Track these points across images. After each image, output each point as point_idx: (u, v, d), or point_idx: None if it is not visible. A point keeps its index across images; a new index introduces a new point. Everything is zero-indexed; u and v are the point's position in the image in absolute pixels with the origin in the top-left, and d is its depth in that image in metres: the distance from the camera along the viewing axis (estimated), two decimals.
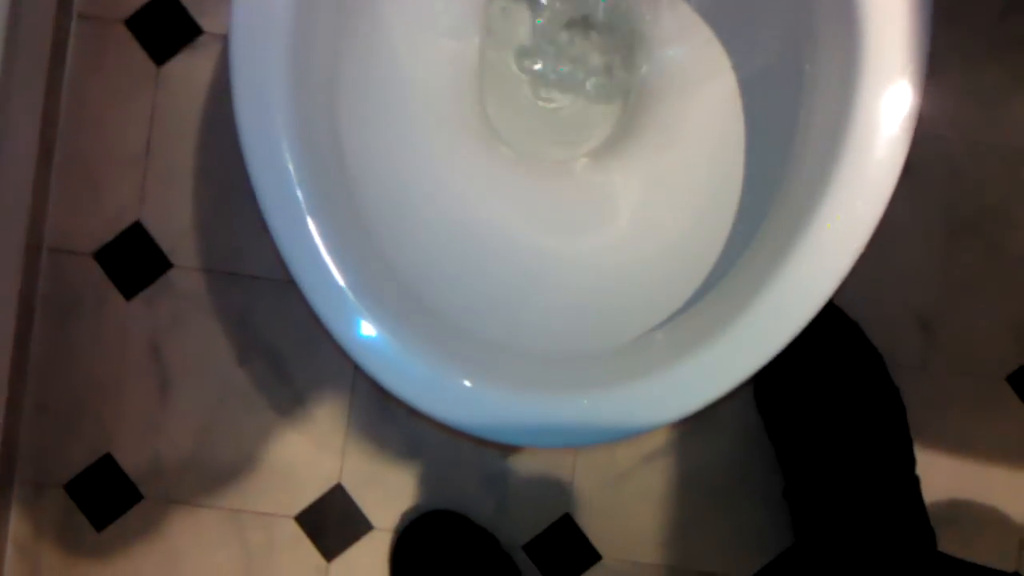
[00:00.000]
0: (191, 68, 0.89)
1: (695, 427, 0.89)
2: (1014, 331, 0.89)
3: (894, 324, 0.89)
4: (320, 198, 0.54)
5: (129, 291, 0.90)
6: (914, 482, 0.83)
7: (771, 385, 0.86)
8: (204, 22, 0.89)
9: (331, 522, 0.91)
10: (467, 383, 0.53)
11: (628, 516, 0.90)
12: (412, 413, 0.88)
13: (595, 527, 0.90)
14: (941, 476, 0.89)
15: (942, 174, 0.88)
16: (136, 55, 0.89)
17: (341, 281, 0.54)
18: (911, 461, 0.84)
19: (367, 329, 0.54)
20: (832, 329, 0.86)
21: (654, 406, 0.53)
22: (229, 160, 0.89)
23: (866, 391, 0.84)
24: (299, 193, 0.54)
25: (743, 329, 0.52)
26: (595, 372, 0.56)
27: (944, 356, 0.89)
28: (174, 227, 0.90)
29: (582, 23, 0.72)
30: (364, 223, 0.59)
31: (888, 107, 0.52)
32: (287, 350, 0.90)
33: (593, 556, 0.90)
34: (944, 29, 0.87)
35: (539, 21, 0.72)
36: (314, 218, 0.54)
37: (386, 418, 0.90)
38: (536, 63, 0.72)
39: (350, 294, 0.54)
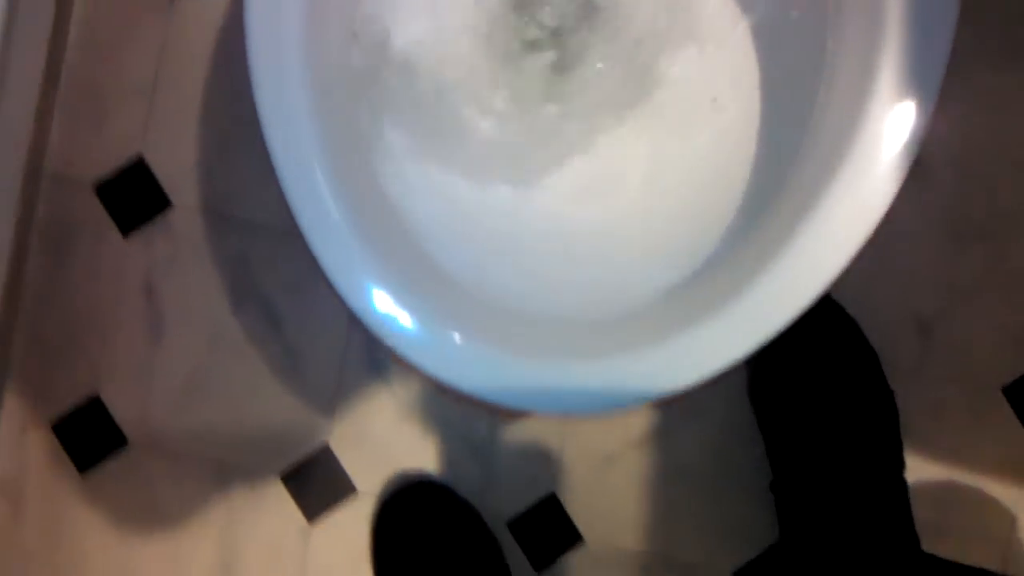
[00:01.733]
0: (204, 2, 0.88)
1: (685, 415, 0.89)
2: (1014, 342, 0.88)
3: (893, 326, 0.88)
4: (330, 140, 0.53)
5: (127, 227, 0.89)
6: (902, 485, 0.82)
7: (765, 377, 0.85)
8: None
9: (315, 483, 0.90)
10: (457, 337, 0.53)
11: (614, 500, 0.90)
12: (404, 371, 0.88)
13: (580, 509, 0.90)
14: (929, 482, 0.88)
15: (950, 178, 0.88)
16: None
17: (342, 220, 0.53)
18: (900, 464, 0.83)
19: (361, 269, 0.53)
20: (830, 325, 0.85)
21: (649, 377, 0.52)
22: (236, 101, 0.88)
23: (860, 390, 0.84)
24: (308, 132, 0.53)
25: (743, 306, 0.52)
26: (593, 340, 0.55)
27: (940, 362, 0.88)
28: (176, 164, 0.88)
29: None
30: (372, 168, 0.58)
31: (904, 98, 0.52)
32: (282, 301, 0.89)
33: (576, 538, 0.89)
34: (960, 33, 0.86)
35: None
36: (321, 160, 0.53)
37: (378, 378, 0.89)
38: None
39: (350, 234, 0.53)
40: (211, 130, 0.88)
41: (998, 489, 0.89)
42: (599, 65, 0.72)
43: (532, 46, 0.70)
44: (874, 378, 0.85)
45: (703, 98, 0.66)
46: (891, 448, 0.83)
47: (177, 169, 0.88)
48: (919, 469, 0.87)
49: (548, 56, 0.71)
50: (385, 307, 0.53)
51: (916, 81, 0.53)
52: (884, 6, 0.52)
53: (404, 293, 0.53)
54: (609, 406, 0.53)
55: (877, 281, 0.88)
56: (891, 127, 0.52)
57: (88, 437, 0.90)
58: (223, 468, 0.90)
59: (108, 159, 0.89)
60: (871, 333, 0.86)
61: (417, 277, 0.56)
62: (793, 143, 0.58)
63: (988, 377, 0.88)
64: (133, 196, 0.89)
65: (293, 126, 0.53)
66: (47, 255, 0.89)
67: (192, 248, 0.89)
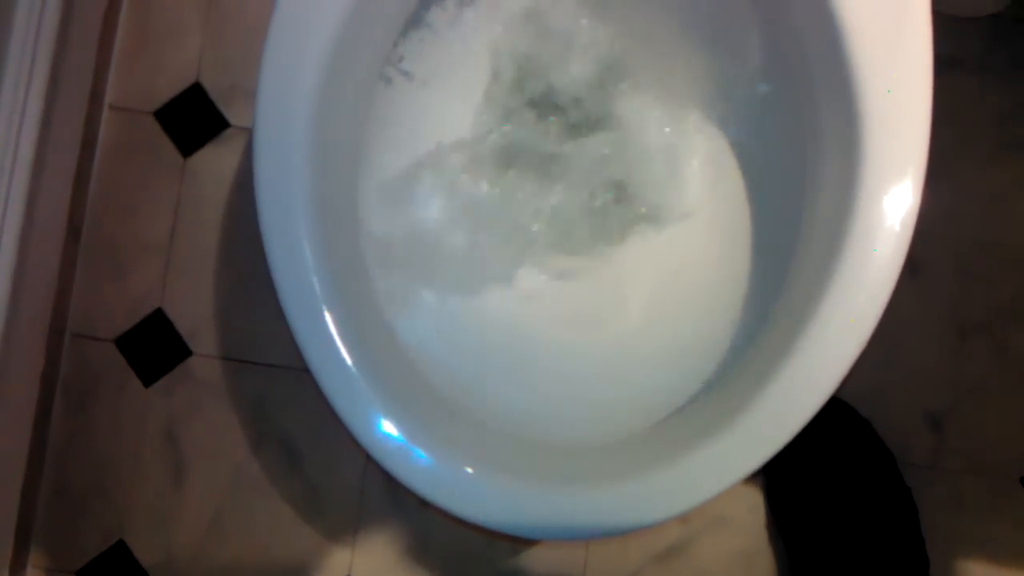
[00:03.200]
0: (216, 160, 0.92)
1: (707, 524, 0.89)
2: None
3: (905, 423, 0.89)
4: (336, 286, 0.56)
5: (148, 378, 0.92)
6: None
7: (783, 482, 0.86)
8: (231, 115, 0.93)
9: None
10: (470, 471, 0.54)
11: None
12: (422, 505, 0.88)
13: None
14: None
15: (949, 274, 0.90)
16: (164, 146, 0.92)
17: (350, 363, 0.55)
18: (925, 562, 0.83)
19: (372, 412, 0.55)
20: (844, 427, 0.86)
21: (660, 498, 0.53)
22: (250, 251, 0.91)
23: (878, 490, 0.84)
24: (315, 281, 0.55)
25: (747, 424, 0.53)
26: (603, 464, 0.56)
27: (956, 456, 0.89)
28: (194, 315, 0.91)
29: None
30: (379, 310, 0.61)
31: (889, 204, 0.54)
32: (300, 438, 0.90)
33: None
34: (949, 132, 0.90)
35: (550, 119, 0.74)
36: (328, 305, 0.56)
37: (397, 510, 0.90)
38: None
39: (359, 376, 0.55)
40: (227, 280, 0.92)
41: None
42: (591, 196, 0.74)
43: (521, 163, 0.72)
44: (891, 477, 0.85)
45: (699, 220, 0.69)
46: (913, 546, 0.83)
47: (195, 319, 0.91)
48: (942, 565, 0.86)
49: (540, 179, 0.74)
50: (396, 445, 0.54)
51: (898, 189, 0.54)
52: (857, 134, 0.54)
53: (415, 430, 0.55)
54: (624, 530, 0.54)
55: (887, 381, 0.89)
56: (879, 223, 0.54)
57: None
58: None
59: (128, 313, 0.92)
60: (884, 432, 0.87)
61: (427, 412, 0.57)
62: (784, 260, 0.60)
63: (1004, 468, 0.89)
64: (153, 347, 0.91)
65: (301, 277, 0.55)
66: (70, 409, 0.91)
67: (212, 393, 0.91)
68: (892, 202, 0.54)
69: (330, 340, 0.56)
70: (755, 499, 0.89)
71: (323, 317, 0.56)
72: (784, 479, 0.86)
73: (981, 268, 0.90)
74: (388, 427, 0.55)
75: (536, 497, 0.54)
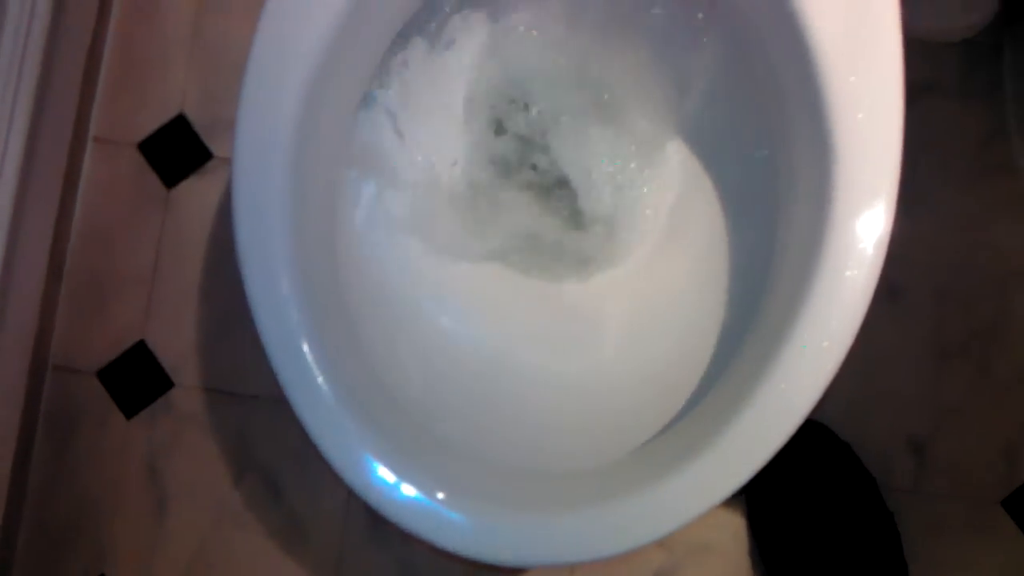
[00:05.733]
0: (200, 192, 0.93)
1: (690, 550, 0.89)
2: (1006, 454, 0.89)
3: (886, 448, 0.89)
4: (314, 320, 0.56)
5: (130, 410, 0.91)
6: None
7: (765, 508, 0.86)
8: (215, 146, 0.93)
9: None
10: (449, 502, 0.54)
11: None
12: (404, 537, 0.88)
13: None
14: None
15: (929, 298, 0.90)
16: (148, 178, 0.93)
17: (327, 391, 0.55)
18: None
19: (352, 442, 0.55)
20: (825, 452, 0.86)
21: (640, 524, 0.53)
22: (233, 281, 0.91)
23: (860, 515, 0.84)
24: (294, 315, 0.56)
25: (723, 449, 0.53)
26: (583, 490, 0.56)
27: (937, 480, 0.89)
28: (177, 347, 0.91)
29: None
30: (357, 341, 0.61)
31: (861, 228, 0.54)
32: (282, 470, 0.90)
33: None
34: (928, 157, 0.91)
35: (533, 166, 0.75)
36: (308, 338, 0.56)
37: (379, 542, 0.89)
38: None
39: (336, 405, 0.55)
40: (209, 312, 0.92)
41: None
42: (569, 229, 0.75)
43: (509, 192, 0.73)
44: (873, 502, 0.85)
45: (673, 246, 0.70)
46: (896, 571, 0.83)
47: (178, 351, 0.91)
48: None
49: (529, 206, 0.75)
50: (378, 479, 0.54)
51: (869, 214, 0.55)
52: (829, 159, 0.55)
53: (396, 463, 0.55)
54: (606, 555, 0.54)
55: (867, 405, 0.89)
56: (851, 247, 0.54)
57: None
58: None
59: (111, 345, 0.92)
60: (866, 456, 0.87)
61: (407, 443, 0.57)
62: (758, 287, 0.60)
63: (985, 491, 0.89)
64: (135, 379, 0.91)
65: (281, 310, 0.55)
66: (52, 442, 0.91)
67: (194, 426, 0.91)
68: (865, 226, 0.54)
69: (310, 376, 0.56)
70: (738, 525, 0.89)
71: (302, 349, 0.56)
72: (766, 504, 0.86)
73: (960, 292, 0.90)
74: (371, 462, 0.55)
75: (516, 525, 0.54)
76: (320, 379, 0.55)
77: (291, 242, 0.57)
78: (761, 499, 0.86)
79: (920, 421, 0.89)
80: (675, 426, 0.60)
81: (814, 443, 0.86)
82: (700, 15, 0.68)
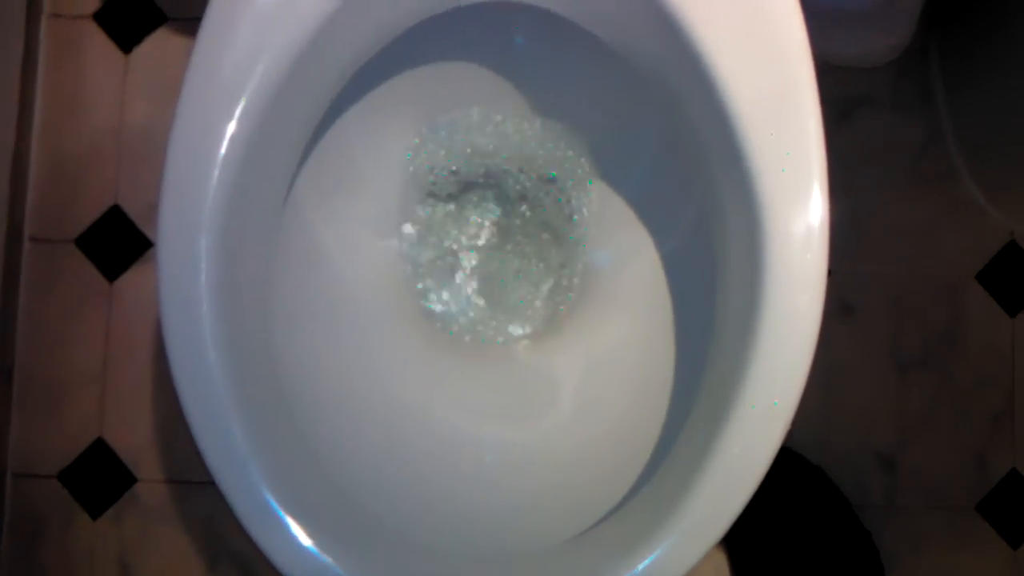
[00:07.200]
0: (143, 281, 0.91)
1: None
2: (976, 459, 0.89)
3: (857, 466, 0.89)
4: (246, 405, 0.55)
5: (96, 510, 0.90)
6: None
7: (744, 542, 0.86)
8: (152, 234, 0.92)
9: None
10: None
11: None
12: None
13: None
14: None
15: (882, 311, 0.90)
16: (89, 273, 0.92)
17: (264, 485, 0.55)
18: None
19: (291, 540, 0.54)
20: (797, 478, 0.86)
21: None
22: None
23: (837, 538, 0.84)
24: (227, 402, 0.55)
25: (681, 527, 0.53)
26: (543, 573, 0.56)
27: (910, 492, 0.89)
28: (136, 440, 0.90)
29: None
30: (297, 426, 0.60)
31: (798, 279, 0.54)
32: (254, 554, 0.89)
33: None
34: (868, 169, 0.91)
35: (472, 219, 0.74)
36: (242, 426, 0.55)
37: None
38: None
39: (273, 501, 0.54)
40: (165, 401, 0.90)
41: None
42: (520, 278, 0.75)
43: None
44: (848, 523, 0.86)
45: (625, 310, 0.69)
46: None
47: (137, 444, 0.90)
48: None
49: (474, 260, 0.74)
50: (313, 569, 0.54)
51: (803, 251, 0.54)
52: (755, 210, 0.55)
53: (345, 558, 0.54)
54: None
55: (833, 426, 0.89)
56: (789, 301, 0.53)
57: None
58: None
59: (69, 446, 0.90)
60: (837, 477, 0.87)
61: (354, 536, 0.57)
62: (705, 336, 0.60)
63: (960, 498, 0.89)
64: (97, 478, 0.90)
65: (212, 400, 0.55)
66: (19, 550, 0.89)
67: (162, 518, 0.89)
68: (800, 278, 0.54)
69: (242, 464, 0.56)
70: (718, 560, 0.88)
71: (234, 435, 0.56)
72: (745, 537, 0.86)
73: (913, 301, 0.90)
74: (306, 551, 0.55)
75: None
76: (252, 463, 0.55)
77: (220, 329, 0.56)
78: (739, 532, 0.86)
79: (888, 436, 0.89)
80: (637, 495, 0.59)
81: (787, 471, 0.86)
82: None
